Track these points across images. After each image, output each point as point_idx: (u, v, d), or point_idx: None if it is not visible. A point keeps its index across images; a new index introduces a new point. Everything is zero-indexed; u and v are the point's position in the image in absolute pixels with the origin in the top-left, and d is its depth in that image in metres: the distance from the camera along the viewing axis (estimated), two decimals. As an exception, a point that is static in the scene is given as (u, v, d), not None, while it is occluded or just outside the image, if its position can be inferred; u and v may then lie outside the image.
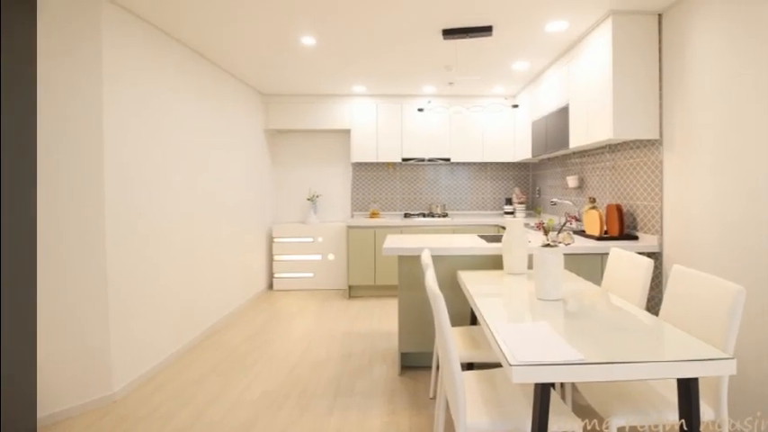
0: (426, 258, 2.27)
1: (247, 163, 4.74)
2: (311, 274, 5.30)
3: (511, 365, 1.29)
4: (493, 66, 3.99)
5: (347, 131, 5.49)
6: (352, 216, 5.59)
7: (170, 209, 3.21)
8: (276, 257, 5.29)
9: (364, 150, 5.23)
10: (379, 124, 5.22)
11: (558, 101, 3.72)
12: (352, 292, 5.05)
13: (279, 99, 5.25)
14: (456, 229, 4.88)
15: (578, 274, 2.93)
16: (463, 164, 5.61)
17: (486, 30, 2.98)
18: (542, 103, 4.13)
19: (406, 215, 5.31)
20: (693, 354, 1.37)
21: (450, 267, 2.92)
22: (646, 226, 3.01)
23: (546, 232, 2.19)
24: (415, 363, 3.09)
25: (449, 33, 3.04)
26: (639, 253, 2.83)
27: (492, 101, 5.17)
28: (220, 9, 2.77)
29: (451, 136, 5.23)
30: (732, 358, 1.34)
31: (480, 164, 5.62)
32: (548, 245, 2.13)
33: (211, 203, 3.86)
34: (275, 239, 5.28)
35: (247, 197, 4.71)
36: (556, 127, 3.74)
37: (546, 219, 2.65)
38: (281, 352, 3.39)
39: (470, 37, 3.05)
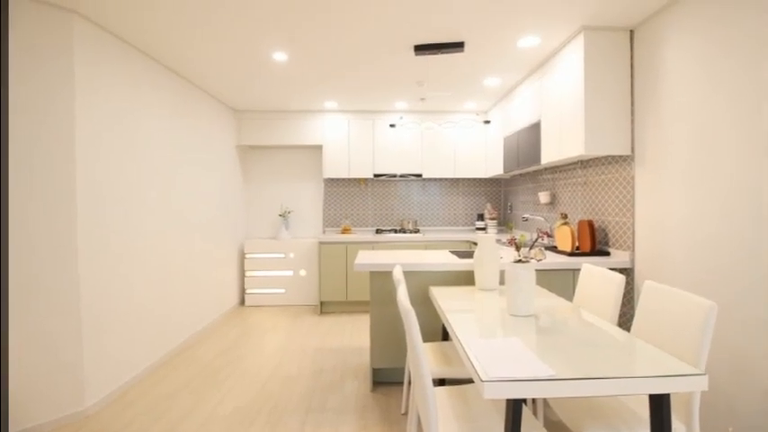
0: (398, 274, 2.23)
1: (220, 179, 4.71)
2: (283, 290, 5.22)
3: (483, 381, 1.29)
4: (465, 81, 4.03)
5: (319, 147, 5.51)
6: (324, 232, 5.53)
7: (143, 225, 3.22)
8: (248, 273, 5.21)
9: (336, 166, 5.20)
10: (351, 140, 5.21)
11: (530, 116, 3.75)
12: (324, 307, 4.97)
13: (251, 115, 5.22)
14: (428, 245, 4.85)
15: (550, 290, 2.94)
16: (435, 180, 5.64)
17: (457, 46, 3.00)
18: (514, 118, 4.18)
19: (378, 231, 5.27)
20: (665, 370, 1.36)
21: (421, 283, 2.88)
22: (618, 242, 3.03)
23: (518, 248, 2.17)
24: (387, 378, 3.06)
25: (420, 49, 3.04)
26: (611, 269, 2.87)
27: (464, 117, 5.24)
28: (191, 25, 2.77)
29: (423, 152, 5.25)
30: (704, 374, 1.33)
31: (452, 180, 5.65)
32: (519, 261, 2.11)
33: (184, 219, 3.86)
34: (247, 255, 5.20)
35: (219, 213, 4.68)
36: (528, 143, 3.78)
37: (518, 235, 2.65)
38: (253, 367, 3.37)
39: (442, 53, 3.07)
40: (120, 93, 2.97)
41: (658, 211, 2.61)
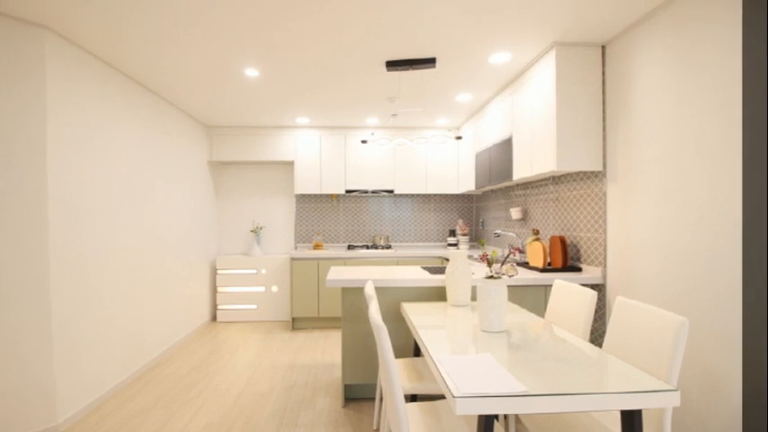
0: (370, 290, 2.19)
1: (192, 195, 4.66)
2: (255, 306, 5.13)
3: (454, 397, 1.27)
4: (436, 97, 4.07)
5: (291, 163, 5.48)
6: (296, 248, 5.45)
7: (115, 240, 3.21)
8: (220, 289, 5.12)
9: (308, 182, 5.16)
10: (322, 156, 5.18)
11: (502, 132, 3.79)
12: (296, 323, 4.89)
13: (223, 131, 5.17)
14: (400, 261, 4.82)
15: (522, 306, 2.93)
16: (407, 195, 5.65)
17: (429, 62, 3.02)
18: (486, 134, 4.22)
19: (350, 247, 5.22)
20: (637, 385, 1.35)
21: (393, 299, 2.84)
22: (589, 257, 3.04)
23: (489, 264, 2.16)
24: (359, 394, 3.02)
25: (392, 65, 3.05)
26: (583, 285, 2.90)
27: (435, 133, 5.28)
28: (162, 41, 2.75)
29: (395, 168, 5.26)
30: (675, 390, 1.32)
31: (424, 195, 5.67)
32: (491, 276, 2.10)
33: (156, 235, 3.85)
34: (219, 271, 5.11)
35: (192, 229, 4.63)
36: (499, 158, 3.82)
37: (490, 250, 2.64)
38: (224, 383, 3.36)
39: (414, 69, 3.09)
40: (93, 108, 2.96)
41: (630, 227, 2.63)
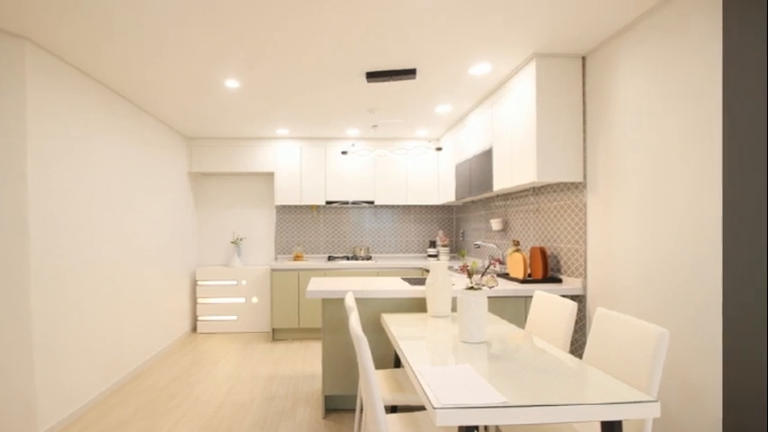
0: (350, 301, 2.17)
1: (172, 206, 4.63)
2: (235, 317, 5.08)
3: (435, 408, 1.27)
4: (416, 109, 4.10)
5: (271, 174, 5.46)
6: (276, 259, 5.40)
7: (95, 251, 3.20)
8: (200, 300, 5.06)
9: (288, 193, 5.14)
10: (303, 167, 5.18)
11: (482, 144, 3.81)
12: (276, 334, 4.85)
13: (203, 142, 5.14)
14: (380, 272, 4.81)
15: (502, 317, 2.93)
16: (387, 207, 5.64)
17: (409, 72, 3.04)
18: (466, 146, 4.25)
19: (330, 258, 5.22)
20: (616, 396, 1.35)
21: (373, 310, 2.81)
22: (570, 269, 3.05)
23: (470, 275, 2.15)
24: (340, 405, 3.01)
25: (373, 76, 3.06)
26: (563, 296, 2.91)
27: (416, 144, 5.31)
28: (142, 52, 2.75)
29: (375, 179, 5.26)
30: (656, 401, 1.32)
31: (404, 207, 5.68)
32: (471, 288, 2.09)
33: (135, 246, 3.84)
34: (199, 282, 5.05)
35: (172, 240, 4.59)
36: (480, 170, 3.84)
37: (470, 261, 2.65)
38: (204, 395, 3.34)
39: (394, 80, 3.09)
40: (73, 119, 2.95)
41: (611, 238, 2.63)
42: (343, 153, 3.55)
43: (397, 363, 2.60)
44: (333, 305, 2.84)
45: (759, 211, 1.69)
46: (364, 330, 2.79)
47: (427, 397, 1.34)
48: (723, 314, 1.86)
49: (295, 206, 5.47)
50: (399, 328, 2.28)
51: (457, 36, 2.59)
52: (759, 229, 1.69)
